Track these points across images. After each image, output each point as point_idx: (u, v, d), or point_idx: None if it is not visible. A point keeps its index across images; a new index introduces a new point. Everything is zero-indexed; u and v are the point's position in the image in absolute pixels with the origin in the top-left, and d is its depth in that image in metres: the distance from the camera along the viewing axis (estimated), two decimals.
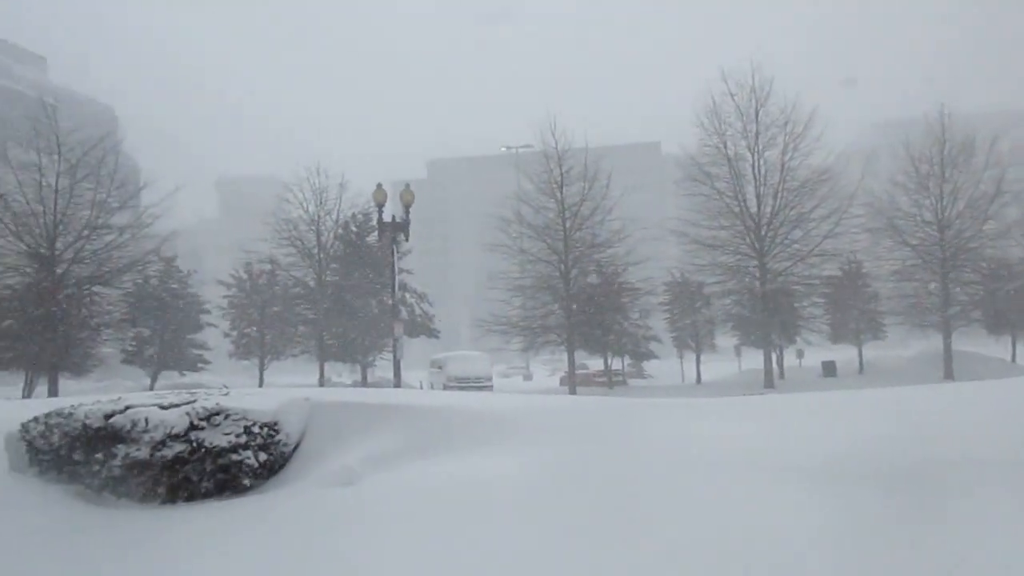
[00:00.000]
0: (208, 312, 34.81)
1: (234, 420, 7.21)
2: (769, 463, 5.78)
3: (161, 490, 6.94)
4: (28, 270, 29.97)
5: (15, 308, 29.14)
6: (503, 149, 64.02)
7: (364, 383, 35.50)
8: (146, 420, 6.93)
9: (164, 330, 33.17)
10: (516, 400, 9.83)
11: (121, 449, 6.86)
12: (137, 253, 31.58)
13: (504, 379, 49.05)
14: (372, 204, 36.38)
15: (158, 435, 6.90)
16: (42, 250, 28.89)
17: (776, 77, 34.61)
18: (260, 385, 33.77)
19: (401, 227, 27.90)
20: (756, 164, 34.91)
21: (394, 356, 27.78)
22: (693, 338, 39.54)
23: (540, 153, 36.40)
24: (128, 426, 6.92)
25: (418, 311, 35.40)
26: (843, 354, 40.26)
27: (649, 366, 42.53)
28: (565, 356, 41.18)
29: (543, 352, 41.93)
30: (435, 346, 44.56)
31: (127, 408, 7.07)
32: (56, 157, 29.87)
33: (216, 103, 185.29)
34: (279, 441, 7.49)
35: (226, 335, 35.69)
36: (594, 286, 34.43)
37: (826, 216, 33.96)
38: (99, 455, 6.87)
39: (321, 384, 33.00)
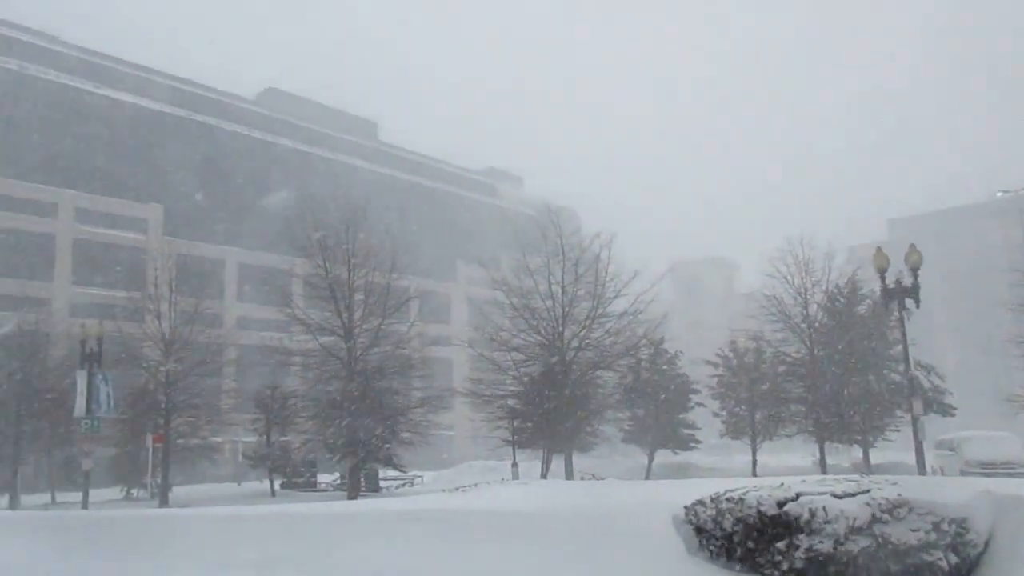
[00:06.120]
0: (697, 392, 35.51)
1: (919, 514, 6.44)
2: None
3: None
4: (542, 359, 33.63)
5: (535, 393, 32.77)
6: (999, 194, 55.88)
7: (867, 466, 32.50)
8: (824, 510, 6.54)
9: (657, 410, 34.56)
10: None
11: (803, 540, 6.55)
12: (631, 338, 33.72)
13: None
14: (856, 271, 34.18)
15: (839, 527, 6.45)
16: (556, 341, 32.31)
17: None
18: (753, 467, 32.96)
19: (910, 292, 25.34)
20: None
21: (915, 437, 24.88)
22: None
23: None
24: (805, 515, 6.60)
25: (927, 385, 31.56)
26: None
27: None
28: None
29: None
30: (939, 425, 39.42)
31: (798, 496, 6.78)
32: (561, 259, 33.54)
33: (663, 191, 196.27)
34: (969, 541, 6.51)
35: (715, 415, 35.91)
36: None
37: None
38: (780, 545, 6.65)
39: (823, 468, 30.96)
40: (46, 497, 36.26)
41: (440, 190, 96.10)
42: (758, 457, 34.04)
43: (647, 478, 33.17)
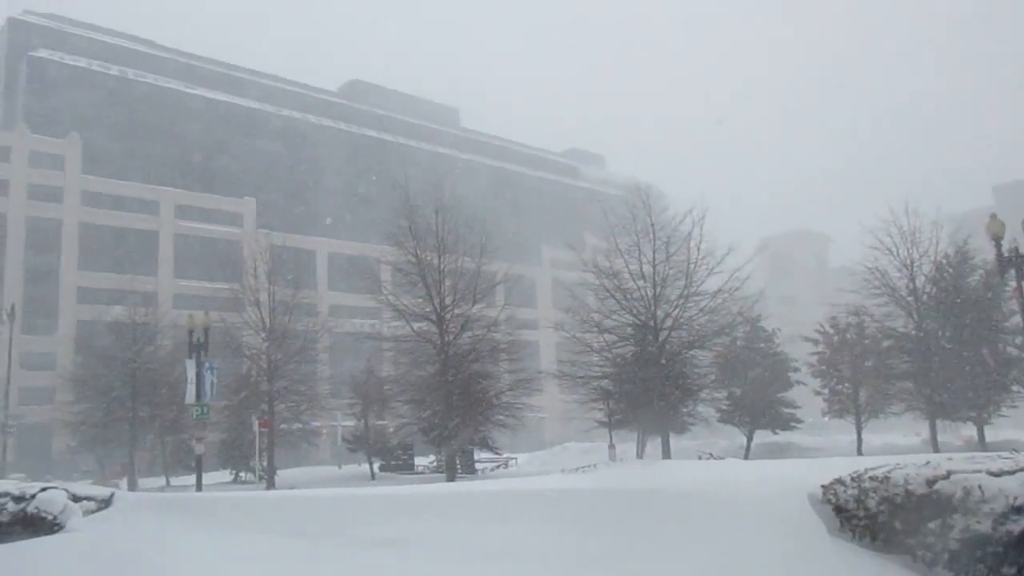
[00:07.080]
0: (797, 370, 34.41)
1: None
2: None
3: (1007, 570, 6.03)
4: (635, 339, 33.14)
5: (629, 374, 32.37)
6: None
7: (981, 444, 30.95)
8: (980, 488, 6.15)
9: (755, 389, 33.67)
10: None
11: (957, 520, 6.17)
12: (725, 317, 32.84)
13: None
14: (967, 239, 32.38)
15: (998, 506, 6.04)
16: (649, 321, 31.77)
17: None
18: (859, 446, 31.82)
19: None
20: None
21: None
22: None
23: None
24: (959, 494, 6.21)
25: None
26: None
27: None
28: None
29: None
30: None
31: (949, 474, 6.40)
32: (651, 238, 32.89)
33: (748, 165, 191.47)
34: None
35: (816, 393, 34.76)
36: None
37: None
38: (932, 525, 6.29)
39: (934, 446, 29.60)
40: (161, 480, 38.14)
41: (523, 174, 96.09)
42: (862, 436, 32.84)
43: (746, 459, 32.43)
